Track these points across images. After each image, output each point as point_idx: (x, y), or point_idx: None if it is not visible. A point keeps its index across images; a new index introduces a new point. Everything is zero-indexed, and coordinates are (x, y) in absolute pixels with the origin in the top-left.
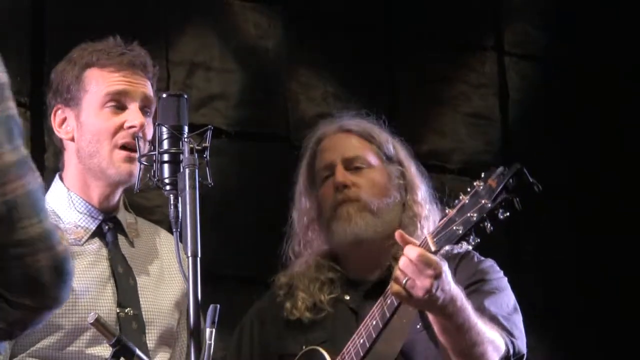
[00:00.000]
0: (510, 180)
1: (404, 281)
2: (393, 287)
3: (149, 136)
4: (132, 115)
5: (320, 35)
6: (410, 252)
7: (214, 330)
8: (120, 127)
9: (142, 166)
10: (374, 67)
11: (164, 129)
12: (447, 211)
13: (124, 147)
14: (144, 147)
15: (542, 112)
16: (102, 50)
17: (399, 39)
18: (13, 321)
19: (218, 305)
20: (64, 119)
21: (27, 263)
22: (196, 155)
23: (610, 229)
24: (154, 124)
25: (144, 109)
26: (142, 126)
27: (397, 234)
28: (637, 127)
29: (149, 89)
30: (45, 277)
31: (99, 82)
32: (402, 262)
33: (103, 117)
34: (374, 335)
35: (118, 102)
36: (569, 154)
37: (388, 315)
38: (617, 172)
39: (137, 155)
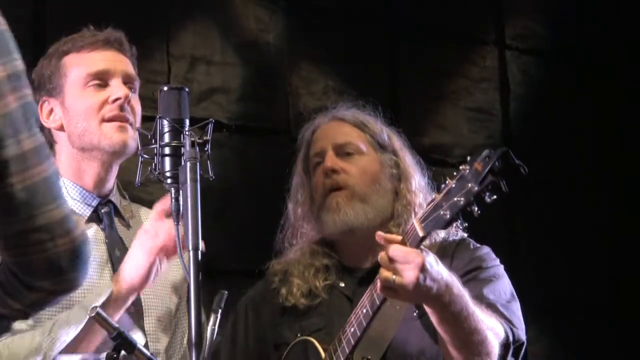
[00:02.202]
0: (496, 163)
1: (392, 280)
2: (384, 289)
3: (138, 110)
4: (116, 89)
5: (321, 29)
6: (390, 250)
7: (218, 316)
8: (105, 102)
9: (142, 159)
10: (375, 61)
11: (165, 122)
12: (434, 196)
13: (111, 119)
14: (135, 121)
15: (543, 107)
16: (76, 37)
17: (400, 33)
18: (30, 303)
19: (226, 292)
20: (51, 110)
21: (46, 248)
22: (197, 148)
23: (611, 225)
24: (141, 102)
25: (127, 85)
26: (126, 97)
27: (377, 236)
28: (637, 127)
29: (128, 65)
30: (64, 261)
31: (79, 64)
32: (384, 260)
33: (87, 95)
34: (364, 324)
35: (100, 79)
36: (569, 148)
37: (378, 302)
38: (617, 172)
39: (126, 124)
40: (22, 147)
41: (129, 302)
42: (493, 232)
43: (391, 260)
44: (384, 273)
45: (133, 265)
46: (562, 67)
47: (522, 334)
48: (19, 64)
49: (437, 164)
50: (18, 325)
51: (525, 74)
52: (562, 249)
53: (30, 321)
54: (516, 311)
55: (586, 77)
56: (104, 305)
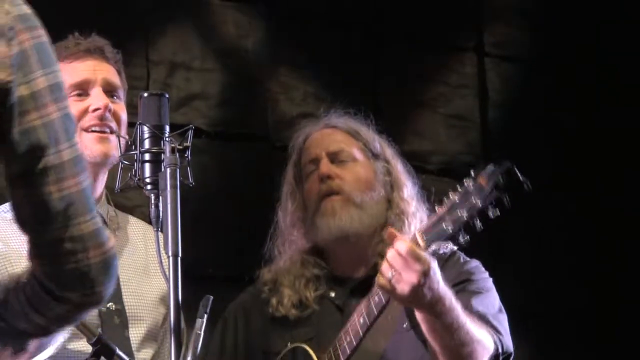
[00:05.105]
0: (501, 179)
1: (389, 274)
2: (379, 279)
3: (123, 118)
4: (96, 99)
5: (300, 36)
6: (400, 246)
7: (204, 320)
8: (84, 112)
9: (122, 165)
10: (354, 67)
11: (145, 128)
12: (437, 209)
13: (90, 129)
14: (120, 129)
15: (522, 114)
16: (60, 46)
17: (379, 39)
18: (54, 317)
19: (211, 297)
20: None
21: (79, 259)
22: (177, 154)
23: (596, 229)
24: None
25: (109, 93)
26: (106, 107)
27: (388, 232)
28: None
29: (110, 73)
30: (94, 273)
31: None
32: (391, 254)
33: None
34: (361, 334)
35: (81, 89)
36: (548, 155)
37: (376, 312)
38: (600, 173)
39: (106, 135)
40: (62, 157)
41: None
42: (476, 239)
43: (400, 255)
44: (385, 265)
45: None
46: (541, 74)
47: (510, 345)
48: (59, 75)
49: (415, 171)
50: None
51: (504, 80)
52: (548, 256)
53: None
54: (504, 323)
55: (566, 84)
56: None
